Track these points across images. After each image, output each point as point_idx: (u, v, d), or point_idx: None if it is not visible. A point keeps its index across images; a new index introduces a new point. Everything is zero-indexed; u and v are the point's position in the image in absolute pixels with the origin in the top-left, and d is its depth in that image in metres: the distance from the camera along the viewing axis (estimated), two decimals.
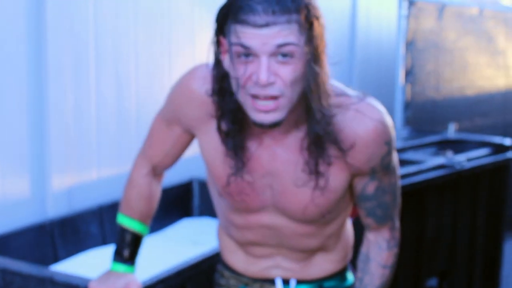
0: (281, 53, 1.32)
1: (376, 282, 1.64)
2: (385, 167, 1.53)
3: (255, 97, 1.35)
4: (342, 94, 1.47)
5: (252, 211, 1.58)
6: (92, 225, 2.90)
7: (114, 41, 3.13)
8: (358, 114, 1.45)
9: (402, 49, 4.35)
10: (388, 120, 1.49)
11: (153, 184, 1.74)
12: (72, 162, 2.96)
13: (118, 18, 3.14)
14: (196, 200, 3.44)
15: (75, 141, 2.96)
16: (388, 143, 1.49)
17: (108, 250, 2.82)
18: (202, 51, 3.62)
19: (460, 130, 4.66)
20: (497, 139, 3.97)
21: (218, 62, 1.43)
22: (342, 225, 1.67)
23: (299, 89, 1.37)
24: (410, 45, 4.41)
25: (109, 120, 3.12)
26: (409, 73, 4.58)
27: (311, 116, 1.40)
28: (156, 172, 1.74)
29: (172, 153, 1.68)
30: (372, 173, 1.53)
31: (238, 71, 1.35)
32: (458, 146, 3.96)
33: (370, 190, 1.56)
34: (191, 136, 1.64)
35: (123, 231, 1.72)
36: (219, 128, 1.47)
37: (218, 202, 1.67)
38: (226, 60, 1.40)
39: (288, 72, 1.34)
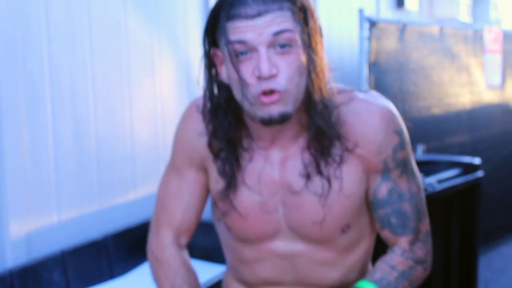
0: (279, 43, 1.28)
1: (376, 275, 1.41)
2: (400, 165, 1.42)
3: (263, 93, 1.28)
4: (344, 91, 1.43)
5: (265, 238, 1.45)
6: (55, 273, 2.75)
7: (71, 77, 3.00)
8: (363, 103, 1.41)
9: (365, 71, 4.29)
10: (396, 111, 1.44)
11: (184, 253, 1.55)
12: (30, 206, 2.81)
13: (74, 52, 3.02)
14: None
15: (32, 184, 2.82)
16: (398, 132, 1.42)
17: None
18: (163, 84, 3.51)
19: (428, 149, 4.61)
20: (467, 159, 3.93)
21: (211, 79, 1.37)
22: (365, 259, 1.51)
23: (302, 82, 1.32)
24: (373, 66, 4.35)
25: (68, 160, 2.98)
26: None
27: (313, 109, 1.34)
28: (180, 242, 1.55)
29: (192, 206, 1.52)
30: (385, 170, 1.41)
31: (239, 71, 1.28)
32: (428, 167, 3.90)
33: (382, 192, 1.42)
34: (206, 177, 1.52)
35: None
36: (210, 146, 1.42)
37: (226, 240, 1.53)
38: (223, 72, 1.34)
39: (288, 63, 1.29)
